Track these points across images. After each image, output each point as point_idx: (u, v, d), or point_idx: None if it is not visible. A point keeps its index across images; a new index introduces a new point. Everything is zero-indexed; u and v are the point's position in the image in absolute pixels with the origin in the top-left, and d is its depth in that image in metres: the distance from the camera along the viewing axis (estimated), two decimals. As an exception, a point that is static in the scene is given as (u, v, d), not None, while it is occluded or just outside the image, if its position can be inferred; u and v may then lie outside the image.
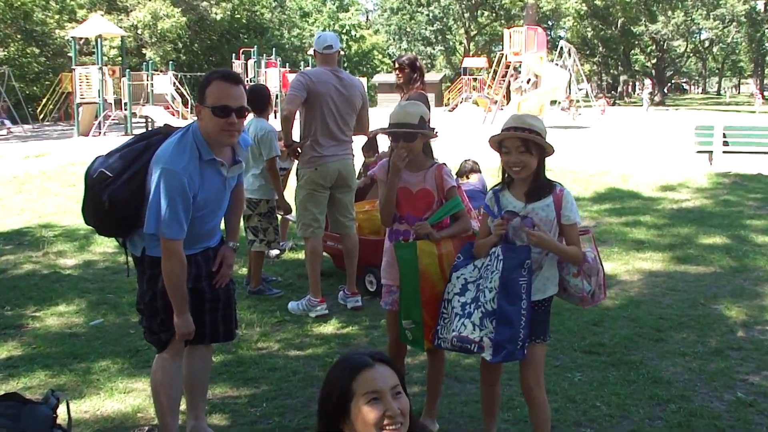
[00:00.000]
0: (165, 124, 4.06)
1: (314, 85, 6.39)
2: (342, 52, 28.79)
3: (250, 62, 37.12)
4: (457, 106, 49.79)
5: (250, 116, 7.00)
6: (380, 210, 4.26)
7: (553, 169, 14.20)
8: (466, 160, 8.66)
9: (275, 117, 29.30)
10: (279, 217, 7.98)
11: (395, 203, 4.15)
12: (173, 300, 3.69)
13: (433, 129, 4.19)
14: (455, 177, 4.33)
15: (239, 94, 3.64)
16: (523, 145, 3.64)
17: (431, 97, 56.93)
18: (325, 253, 7.39)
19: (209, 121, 3.62)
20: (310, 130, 6.47)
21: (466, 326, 3.67)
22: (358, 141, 7.05)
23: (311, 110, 6.42)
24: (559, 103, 37.31)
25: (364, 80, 46.91)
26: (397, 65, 7.37)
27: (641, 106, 53.71)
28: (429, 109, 5.92)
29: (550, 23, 73.50)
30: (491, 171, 9.28)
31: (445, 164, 4.22)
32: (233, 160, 3.85)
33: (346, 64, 68.74)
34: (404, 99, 6.90)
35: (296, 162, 6.88)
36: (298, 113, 6.45)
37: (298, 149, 6.53)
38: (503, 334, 3.57)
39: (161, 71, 34.98)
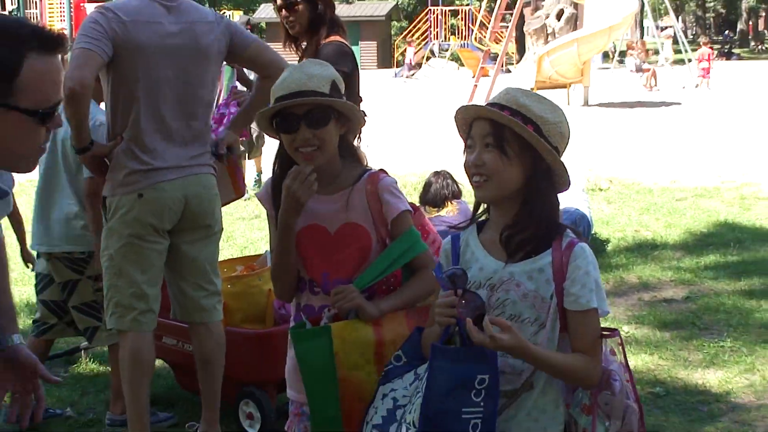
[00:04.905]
0: None
1: (127, 29, 3.36)
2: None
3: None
4: (419, 65, 31.13)
5: None
6: (271, 272, 2.52)
7: (606, 185, 9.39)
8: (436, 174, 5.41)
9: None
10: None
11: (295, 257, 2.41)
12: None
13: (359, 102, 2.50)
14: (404, 198, 2.49)
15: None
16: (493, 133, 2.04)
17: (369, 50, 37.10)
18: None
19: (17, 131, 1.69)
20: (125, 121, 3.44)
21: None
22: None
23: (125, 81, 3.42)
24: (622, 56, 21.49)
25: (236, 17, 25.18)
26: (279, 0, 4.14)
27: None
28: (357, 70, 3.91)
29: None
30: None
31: (382, 172, 2.49)
32: None
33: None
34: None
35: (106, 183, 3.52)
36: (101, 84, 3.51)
37: (105, 157, 3.47)
38: None
39: None
